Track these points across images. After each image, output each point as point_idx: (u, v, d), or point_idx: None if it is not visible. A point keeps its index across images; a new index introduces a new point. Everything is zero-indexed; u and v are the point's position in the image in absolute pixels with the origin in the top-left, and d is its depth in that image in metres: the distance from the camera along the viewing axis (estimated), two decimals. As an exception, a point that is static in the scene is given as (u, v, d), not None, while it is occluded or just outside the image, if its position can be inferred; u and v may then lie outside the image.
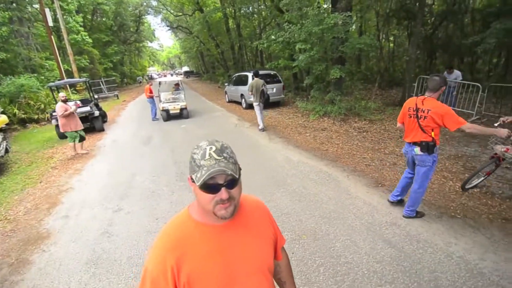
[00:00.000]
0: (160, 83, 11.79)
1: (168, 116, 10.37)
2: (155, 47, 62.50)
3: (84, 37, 19.88)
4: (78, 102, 9.49)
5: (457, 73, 7.61)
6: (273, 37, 10.98)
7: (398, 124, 3.30)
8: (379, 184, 4.19)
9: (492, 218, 3.13)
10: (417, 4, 9.91)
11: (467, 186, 3.68)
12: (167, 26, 33.06)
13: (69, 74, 18.18)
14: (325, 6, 13.31)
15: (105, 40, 26.77)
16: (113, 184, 4.87)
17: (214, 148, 0.82)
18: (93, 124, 9.26)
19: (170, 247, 0.85)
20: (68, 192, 4.73)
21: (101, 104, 12.16)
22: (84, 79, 11.69)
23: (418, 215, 3.25)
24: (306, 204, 3.72)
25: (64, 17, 17.66)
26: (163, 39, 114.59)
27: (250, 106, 11.23)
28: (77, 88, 18.08)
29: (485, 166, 3.57)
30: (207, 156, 0.80)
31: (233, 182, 0.82)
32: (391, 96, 10.96)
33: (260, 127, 7.91)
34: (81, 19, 20.67)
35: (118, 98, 19.88)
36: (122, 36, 33.86)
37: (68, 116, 6.37)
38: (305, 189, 4.14)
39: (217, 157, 0.81)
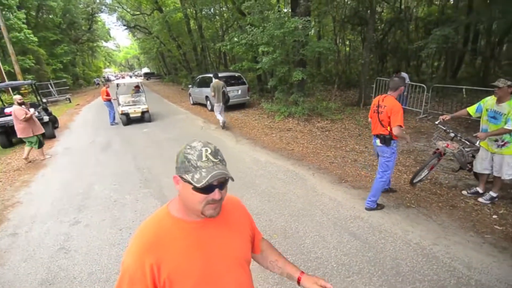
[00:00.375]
0: (118, 85, 11.15)
1: (128, 120, 9.82)
2: (110, 47, 58.84)
3: (27, 35, 18.04)
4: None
5: (404, 76, 8.13)
6: (235, 39, 11.01)
7: (369, 119, 3.63)
8: (343, 180, 4.42)
9: (442, 206, 3.47)
10: (369, 11, 10.67)
11: (414, 181, 3.88)
12: (124, 25, 31.30)
13: (12, 76, 16.37)
14: (285, 10, 13.71)
15: (53, 39, 24.53)
16: (68, 195, 4.47)
17: (209, 150, 0.84)
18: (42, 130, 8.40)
19: (148, 245, 0.84)
20: (15, 207, 4.24)
21: (50, 109, 11.12)
22: (29, 81, 10.59)
23: (379, 207, 3.49)
24: (276, 204, 3.78)
25: (4, 12, 15.84)
26: (120, 39, 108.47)
27: (215, 108, 11.12)
28: (21, 92, 16.32)
29: (429, 161, 3.77)
30: (204, 158, 0.82)
31: (224, 184, 0.86)
32: (349, 96, 11.62)
33: (221, 123, 8.24)
34: (24, 16, 18.72)
35: (70, 102, 18.35)
36: (73, 35, 31.34)
37: (29, 119, 6.07)
38: (273, 189, 4.21)
39: (214, 159, 0.83)
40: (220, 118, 8.15)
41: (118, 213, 3.79)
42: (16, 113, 5.90)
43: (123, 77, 43.35)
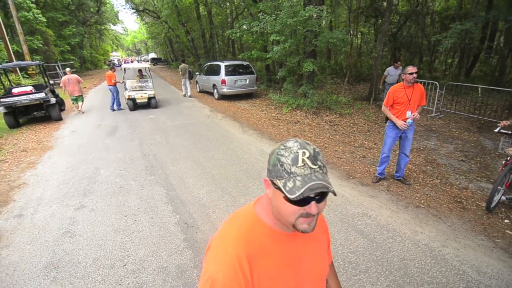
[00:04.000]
0: (125, 69, 11.05)
1: (135, 106, 9.79)
2: (118, 30, 58.56)
3: (36, 15, 17.89)
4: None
5: (400, 69, 7.48)
6: (245, 27, 10.78)
7: None
8: (351, 176, 4.34)
9: (452, 208, 3.39)
10: (385, 3, 10.32)
11: (492, 205, 3.21)
12: (132, 8, 30.93)
13: (20, 56, 16.36)
14: (298, -2, 13.35)
15: (61, 20, 24.34)
16: (74, 179, 4.48)
17: (307, 154, 0.70)
18: (49, 112, 8.43)
19: (243, 255, 0.73)
20: (21, 188, 4.26)
21: (57, 91, 11.12)
22: (37, 62, 10.52)
23: (374, 179, 4.11)
24: (282, 197, 3.73)
25: (12, -9, 15.67)
26: (128, 23, 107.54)
27: (223, 97, 11.04)
28: (29, 72, 16.34)
29: (502, 177, 3.15)
30: (300, 163, 0.68)
31: (324, 196, 0.72)
32: (359, 91, 11.40)
33: (188, 95, 12.16)
34: (33, -5, 18.54)
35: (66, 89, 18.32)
36: (81, 16, 31.07)
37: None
38: (280, 182, 4.15)
39: (312, 166, 0.69)
40: (189, 92, 12.25)
41: (123, 199, 3.78)
42: (78, 78, 9.45)
43: (131, 62, 43.07)
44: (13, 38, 17.72)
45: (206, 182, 4.17)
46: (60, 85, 9.63)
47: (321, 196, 0.70)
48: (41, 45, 19.22)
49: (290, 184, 0.67)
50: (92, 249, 2.83)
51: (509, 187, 3.18)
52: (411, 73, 3.43)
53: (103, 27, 42.06)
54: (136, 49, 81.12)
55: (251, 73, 11.07)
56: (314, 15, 7.32)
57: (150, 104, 9.96)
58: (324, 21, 11.78)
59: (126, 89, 10.15)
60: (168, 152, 5.48)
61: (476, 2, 12.06)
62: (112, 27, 48.89)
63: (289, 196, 0.66)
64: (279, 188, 0.69)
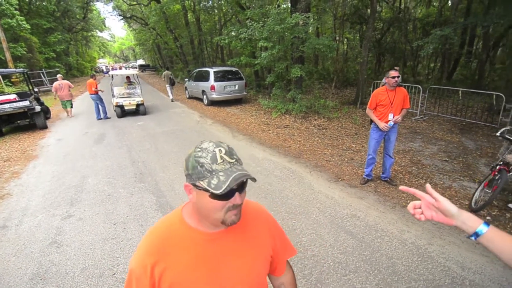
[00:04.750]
0: (112, 76, 10.94)
1: (123, 113, 9.67)
2: (105, 37, 57.85)
3: (20, 22, 17.54)
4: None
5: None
6: (233, 33, 10.89)
7: None
8: (339, 178, 4.42)
9: (436, 206, 3.49)
10: (369, 10, 10.65)
11: (477, 206, 3.32)
12: (120, 15, 30.74)
13: (3, 64, 15.95)
14: (284, 6, 13.60)
15: (46, 26, 23.91)
16: (60, 188, 4.38)
17: (223, 150, 0.74)
18: (34, 120, 8.23)
19: (154, 249, 0.79)
20: (4, 199, 4.13)
21: (42, 99, 10.88)
22: (21, 69, 10.28)
23: (362, 180, 4.19)
24: (272, 201, 3.76)
25: (-6, -3, 15.37)
26: (115, 29, 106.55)
27: (212, 103, 11.06)
28: (12, 80, 15.95)
29: (492, 180, 3.24)
30: (219, 160, 0.72)
31: (244, 185, 0.77)
32: (346, 95, 11.64)
33: (170, 98, 13.03)
34: (16, 1, 18.17)
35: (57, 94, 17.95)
36: (66, 23, 30.61)
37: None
38: (270, 186, 4.19)
39: (230, 160, 0.74)
40: (171, 96, 13.14)
41: (112, 207, 3.72)
42: (69, 84, 9.80)
43: (119, 68, 42.59)
44: (-4, 45, 17.28)
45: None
46: (52, 90, 9.99)
47: (242, 187, 0.75)
48: (25, 52, 18.78)
49: (214, 181, 0.70)
50: (80, 259, 2.78)
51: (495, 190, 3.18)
52: (393, 77, 3.56)
53: (89, 34, 41.51)
54: (124, 55, 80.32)
55: (240, 78, 11.15)
56: (301, 22, 7.49)
57: (138, 110, 9.87)
58: (310, 28, 12.04)
59: (113, 96, 10.04)
60: (158, 159, 5.44)
61: (455, 9, 12.59)
62: (99, 33, 48.33)
63: (215, 192, 0.68)
64: (203, 189, 0.71)
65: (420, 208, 0.83)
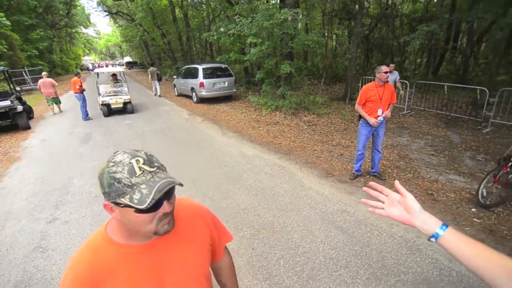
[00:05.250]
0: (98, 74, 10.65)
1: (110, 111, 9.45)
2: (90, 33, 56.37)
3: (-1, 18, 16.85)
4: None
5: (395, 74, 7.08)
6: (222, 29, 10.76)
7: None
8: (329, 174, 4.45)
9: (424, 200, 3.56)
10: (357, 6, 10.71)
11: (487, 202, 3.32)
12: (105, 11, 29.90)
13: (-20, 62, 15.30)
14: (272, 1, 13.53)
15: (27, 23, 23.00)
16: (44, 190, 4.25)
17: (142, 160, 0.68)
18: (16, 121, 7.94)
19: (87, 280, 0.70)
20: (-15, 203, 3.97)
21: (25, 98, 10.51)
22: (1, 68, 9.89)
23: (351, 176, 4.22)
24: (263, 198, 3.75)
25: (-30, -8, 14.66)
26: (100, 26, 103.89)
27: (201, 100, 10.94)
28: (-9, 79, 15.32)
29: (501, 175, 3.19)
30: (138, 172, 0.66)
31: (172, 192, 0.73)
32: (335, 91, 11.72)
33: (158, 94, 13.49)
34: (-6, -3, 17.46)
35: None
36: (49, 19, 29.60)
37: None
38: (261, 183, 4.17)
39: (151, 169, 0.68)
40: (158, 92, 13.54)
41: (98, 209, 3.63)
42: (53, 82, 9.89)
43: (106, 66, 41.56)
44: (-27, 43, 16.57)
45: (187, 187, 4.10)
46: (38, 87, 10.12)
47: (169, 193, 0.71)
48: (5, 50, 18.05)
49: (136, 196, 0.64)
50: (67, 263, 2.69)
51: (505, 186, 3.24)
52: (386, 72, 3.58)
53: (73, 31, 40.30)
54: (110, 52, 78.49)
55: (230, 75, 11.06)
56: (289, 18, 7.46)
57: (126, 109, 9.66)
58: (299, 24, 12.03)
59: (99, 94, 9.78)
60: (146, 158, 5.33)
61: (441, 5, 12.82)
62: (84, 30, 47.07)
63: (140, 207, 0.63)
64: (126, 205, 0.66)
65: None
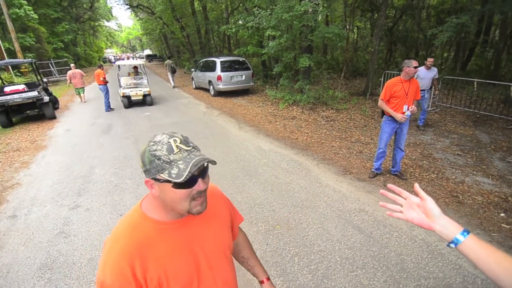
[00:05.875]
0: (119, 66, 10.91)
1: (130, 103, 9.68)
2: (112, 27, 57.82)
3: (28, 12, 17.56)
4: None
5: (434, 70, 5.78)
6: (240, 22, 10.67)
7: None
8: (347, 172, 4.33)
9: (448, 202, 3.40)
10: (381, -4, 10.23)
11: None
12: (126, 4, 30.44)
13: (11, 54, 16.11)
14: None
15: (53, 16, 23.95)
16: (68, 178, 4.42)
17: (178, 140, 0.74)
18: (43, 111, 8.32)
19: (128, 255, 0.74)
20: (14, 188, 4.20)
21: (51, 89, 10.98)
22: (29, 60, 10.36)
23: (371, 174, 4.10)
24: (279, 194, 3.72)
25: (2, -13, 15.35)
26: (122, 19, 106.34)
27: (219, 94, 10.97)
28: (21, 70, 16.12)
29: None
30: (175, 150, 0.72)
31: (206, 171, 0.78)
32: (355, 86, 11.37)
33: (172, 86, 14.25)
34: (23, -9, 18.18)
35: (71, 82, 18.08)
36: (74, 13, 30.64)
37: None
38: (277, 179, 4.14)
39: (187, 148, 0.74)
40: (172, 83, 14.34)
41: (118, 198, 3.74)
42: (81, 73, 10.97)
43: (128, 58, 42.56)
44: (5, 35, 17.42)
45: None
46: (66, 78, 10.94)
47: (203, 172, 0.76)
48: (33, 43, 18.91)
49: (174, 171, 0.70)
50: (87, 249, 2.80)
51: None
52: (416, 67, 3.40)
53: (96, 24, 41.55)
54: (131, 45, 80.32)
55: (247, 69, 10.99)
56: (310, 10, 7.26)
57: (145, 101, 9.86)
58: (320, 16, 11.72)
59: (120, 86, 10.03)
60: (164, 150, 5.43)
61: (471, -5, 12.02)
62: (106, 23, 48.37)
63: (177, 180, 0.69)
64: (165, 181, 0.71)
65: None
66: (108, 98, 9.44)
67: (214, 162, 0.75)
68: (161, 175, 0.71)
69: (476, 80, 7.37)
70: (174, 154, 0.71)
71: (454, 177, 4.01)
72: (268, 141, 5.82)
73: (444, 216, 0.74)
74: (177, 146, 0.73)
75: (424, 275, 2.35)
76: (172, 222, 0.82)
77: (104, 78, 9.36)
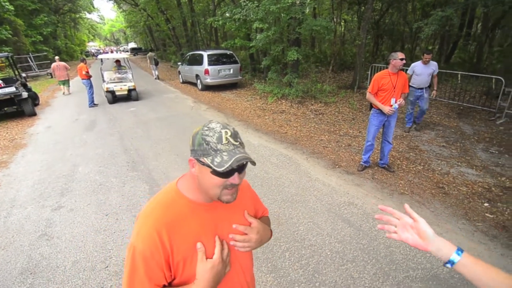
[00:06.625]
0: (102, 60, 10.53)
1: (114, 98, 9.39)
2: (94, 19, 55.81)
3: (3, 3, 16.63)
4: None
5: (433, 65, 5.22)
6: (227, 14, 10.47)
7: None
8: (336, 165, 4.35)
9: (435, 193, 3.46)
10: (368, -11, 10.22)
11: None
12: (108, -5, 29.37)
13: (-15, 48, 15.26)
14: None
15: (31, 8, 22.77)
16: (50, 178, 4.25)
17: (229, 133, 0.79)
18: (21, 107, 7.95)
19: (161, 225, 0.81)
20: (-9, 189, 4.00)
21: (30, 84, 10.52)
22: (5, 54, 9.82)
23: (359, 167, 4.14)
24: (268, 189, 3.69)
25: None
26: (104, 11, 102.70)
27: (206, 88, 10.79)
28: (-3, 65, 15.33)
29: None
30: (224, 141, 0.77)
31: (244, 168, 0.82)
32: (343, 79, 11.42)
33: (155, 77, 15.07)
34: (-3, -19, 17.16)
35: (52, 77, 17.38)
36: (53, 4, 29.28)
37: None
38: (266, 174, 4.11)
39: (235, 142, 0.79)
40: (155, 75, 15.13)
41: (103, 197, 3.62)
42: (66, 65, 10.99)
43: (111, 52, 41.16)
44: (-22, 28, 16.48)
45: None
46: (50, 71, 11.70)
47: (242, 168, 0.81)
48: (10, 36, 17.95)
49: (218, 159, 0.75)
50: (71, 251, 2.70)
51: None
52: (402, 59, 3.41)
53: (77, 16, 39.88)
54: (115, 38, 77.88)
55: (235, 62, 10.84)
56: (297, 2, 7.18)
57: (130, 96, 9.59)
58: (307, 8, 11.63)
59: (104, 81, 9.69)
60: (151, 146, 5.30)
61: (456, -12, 12.19)
62: (88, 15, 46.47)
63: (218, 169, 0.74)
64: (206, 165, 0.76)
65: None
66: (92, 93, 9.09)
67: (254, 163, 0.80)
68: (204, 159, 0.77)
69: (459, 72, 7.52)
70: (222, 144, 0.77)
71: (439, 168, 4.09)
72: (257, 136, 5.78)
73: (437, 237, 0.77)
74: (226, 138, 0.77)
75: (412, 266, 2.39)
76: (203, 204, 0.88)
77: (87, 72, 9.00)
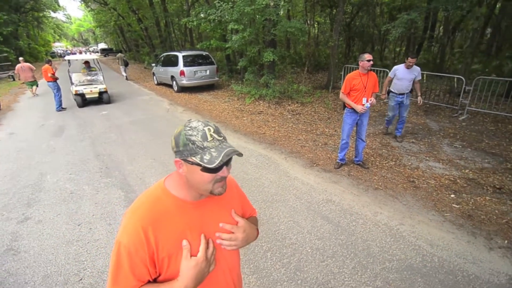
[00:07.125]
0: (69, 61, 9.99)
1: (84, 102, 8.94)
2: (60, 18, 52.81)
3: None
4: None
5: (416, 70, 4.84)
6: (202, 15, 10.36)
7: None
8: (314, 164, 4.45)
9: (406, 187, 3.65)
10: (339, -8, 10.57)
11: None
12: (74, -6, 27.93)
13: None
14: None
15: (-13, 5, 21.13)
16: (15, 188, 3.96)
17: (212, 129, 0.81)
18: (-21, 113, 7.34)
19: (147, 221, 0.82)
20: None
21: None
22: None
23: (336, 165, 4.26)
24: (249, 190, 3.70)
25: None
26: (71, 10, 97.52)
27: (183, 89, 10.60)
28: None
29: None
30: (209, 138, 0.80)
31: (230, 160, 0.84)
32: (318, 80, 11.71)
33: (125, 77, 15.19)
34: None
35: (14, 80, 16.21)
36: (13, 2, 27.28)
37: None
38: (246, 174, 4.11)
39: (219, 138, 0.82)
40: (125, 75, 15.24)
41: (75, 206, 3.43)
42: (31, 66, 10.58)
43: (80, 53, 39.09)
44: None
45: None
46: (15, 72, 10.82)
47: (228, 161, 0.83)
48: (-37, 35, 16.53)
49: (207, 157, 0.77)
50: (41, 265, 2.53)
51: None
52: (369, 60, 3.55)
53: (41, 15, 37.47)
54: (83, 39, 74.25)
55: (211, 63, 10.74)
56: (271, 4, 7.26)
57: (101, 99, 9.17)
58: (282, 10, 11.79)
59: (72, 83, 9.19)
60: (125, 151, 5.11)
61: (419, -7, 12.94)
62: (52, 14, 43.82)
63: (209, 166, 0.76)
64: (196, 164, 0.79)
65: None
66: (60, 97, 8.56)
67: (241, 155, 0.83)
68: (193, 158, 0.78)
69: (425, 72, 7.98)
70: (208, 141, 0.79)
71: (410, 163, 4.32)
72: (236, 137, 5.76)
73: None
74: (210, 135, 0.80)
75: (388, 258, 2.50)
76: (190, 202, 0.90)
77: (53, 74, 8.45)
